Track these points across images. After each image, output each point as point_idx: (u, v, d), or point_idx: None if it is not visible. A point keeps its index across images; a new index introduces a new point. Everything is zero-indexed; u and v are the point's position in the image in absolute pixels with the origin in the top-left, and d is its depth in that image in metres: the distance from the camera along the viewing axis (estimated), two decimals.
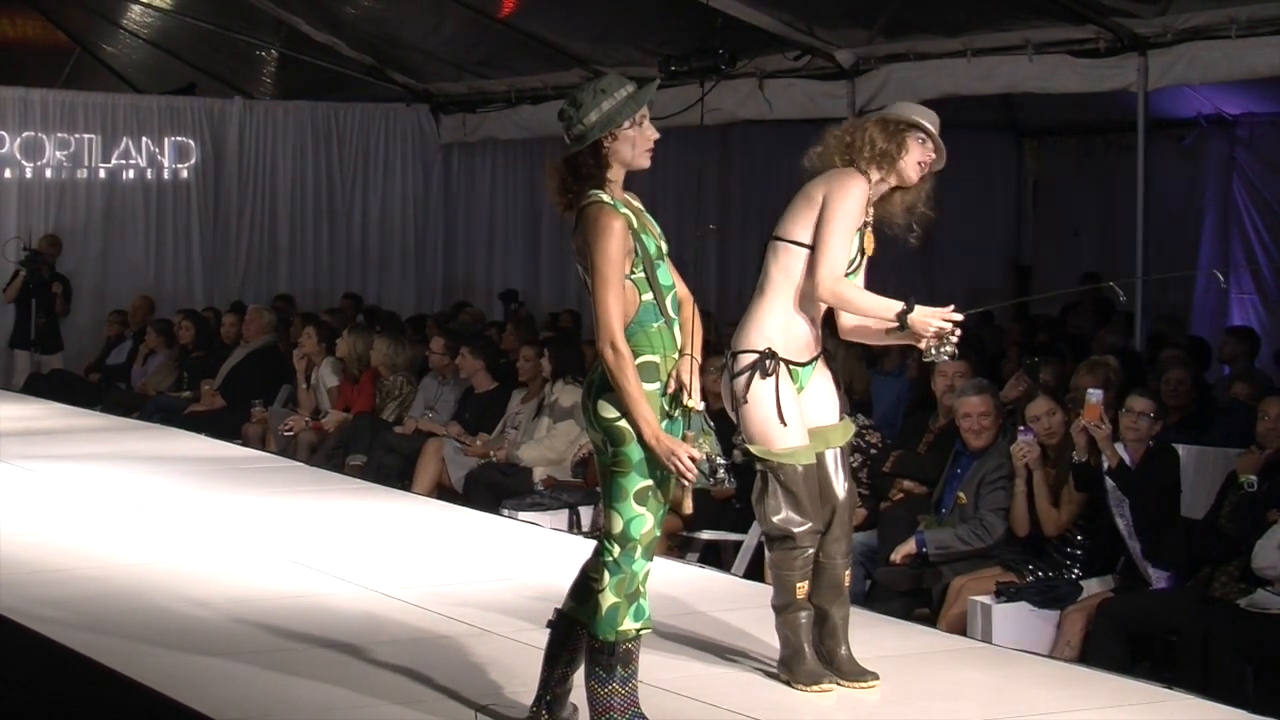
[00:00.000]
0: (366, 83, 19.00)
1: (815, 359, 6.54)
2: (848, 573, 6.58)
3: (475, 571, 8.58)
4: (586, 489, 11.44)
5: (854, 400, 10.63)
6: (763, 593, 6.93)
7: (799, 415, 6.41)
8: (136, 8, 18.80)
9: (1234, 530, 8.20)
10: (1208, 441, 9.96)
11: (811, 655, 6.45)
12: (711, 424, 5.79)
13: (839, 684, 6.47)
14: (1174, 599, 8.20)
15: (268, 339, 15.54)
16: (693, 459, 5.52)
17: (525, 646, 6.79)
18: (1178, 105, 16.51)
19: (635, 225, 5.63)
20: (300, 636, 7.11)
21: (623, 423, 5.57)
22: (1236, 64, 12.10)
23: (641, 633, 5.70)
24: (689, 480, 5.57)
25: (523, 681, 6.24)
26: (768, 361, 6.33)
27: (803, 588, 6.43)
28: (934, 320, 6.36)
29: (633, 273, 5.59)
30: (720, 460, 5.66)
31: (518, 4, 16.15)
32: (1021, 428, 8.93)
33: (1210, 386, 11.59)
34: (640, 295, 5.61)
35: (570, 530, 10.94)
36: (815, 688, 6.40)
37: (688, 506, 5.77)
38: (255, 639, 7.08)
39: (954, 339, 6.38)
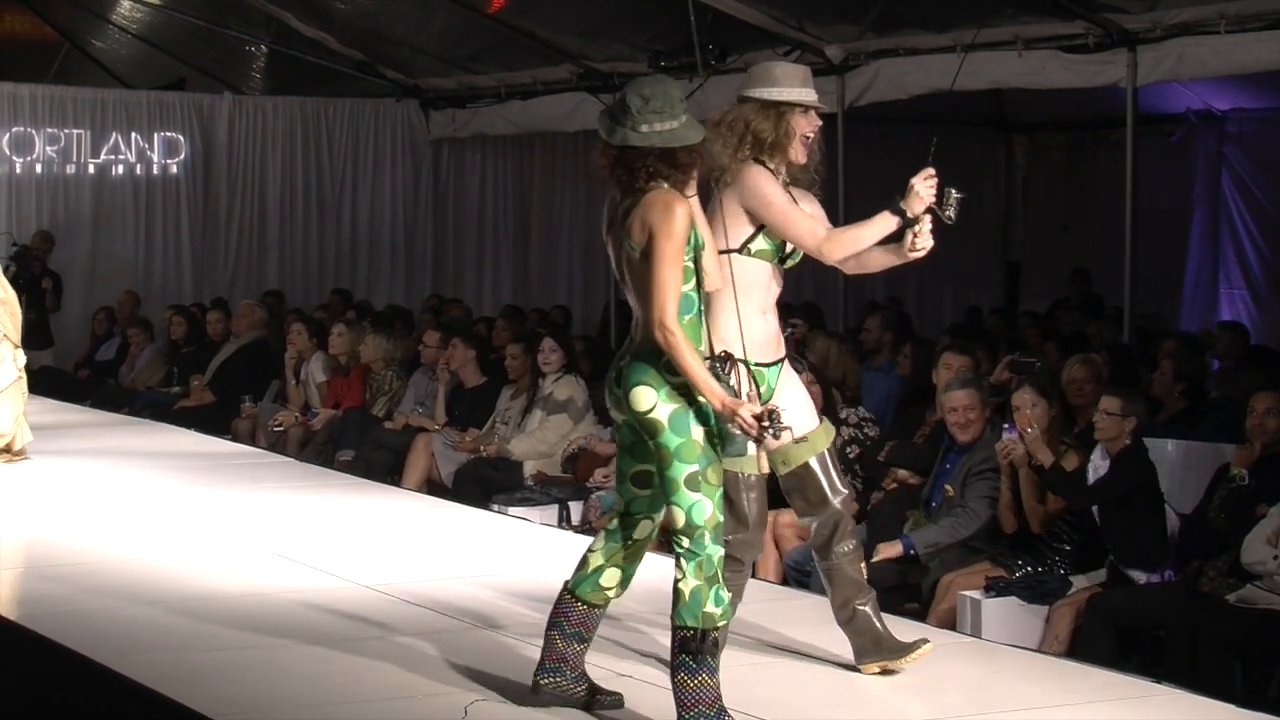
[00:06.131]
0: (356, 78, 18.99)
1: (780, 361, 6.49)
2: (861, 565, 6.57)
3: (465, 567, 8.58)
4: (577, 484, 11.45)
5: (846, 395, 10.67)
6: (753, 587, 6.94)
7: None
8: (125, 3, 18.78)
9: (1222, 524, 8.21)
10: (1197, 436, 9.98)
11: None
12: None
13: (890, 670, 6.47)
14: (1163, 594, 8.21)
15: (257, 334, 15.54)
16: (755, 415, 5.54)
17: (515, 641, 6.80)
18: (1167, 101, 16.55)
19: (693, 218, 5.71)
20: (290, 632, 7.10)
21: (655, 414, 5.62)
22: (1225, 59, 12.12)
23: (723, 621, 5.70)
24: (751, 434, 5.57)
25: (513, 676, 6.25)
26: (724, 365, 6.28)
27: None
28: (918, 186, 6.28)
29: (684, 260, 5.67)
30: (778, 410, 5.64)
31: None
32: (1006, 425, 8.92)
33: (1202, 381, 11.61)
34: (683, 285, 5.66)
35: (560, 525, 10.95)
36: None
37: (763, 465, 5.81)
38: (244, 634, 7.08)
39: (951, 190, 6.30)
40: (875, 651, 6.51)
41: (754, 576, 8.41)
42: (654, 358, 5.65)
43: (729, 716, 5.73)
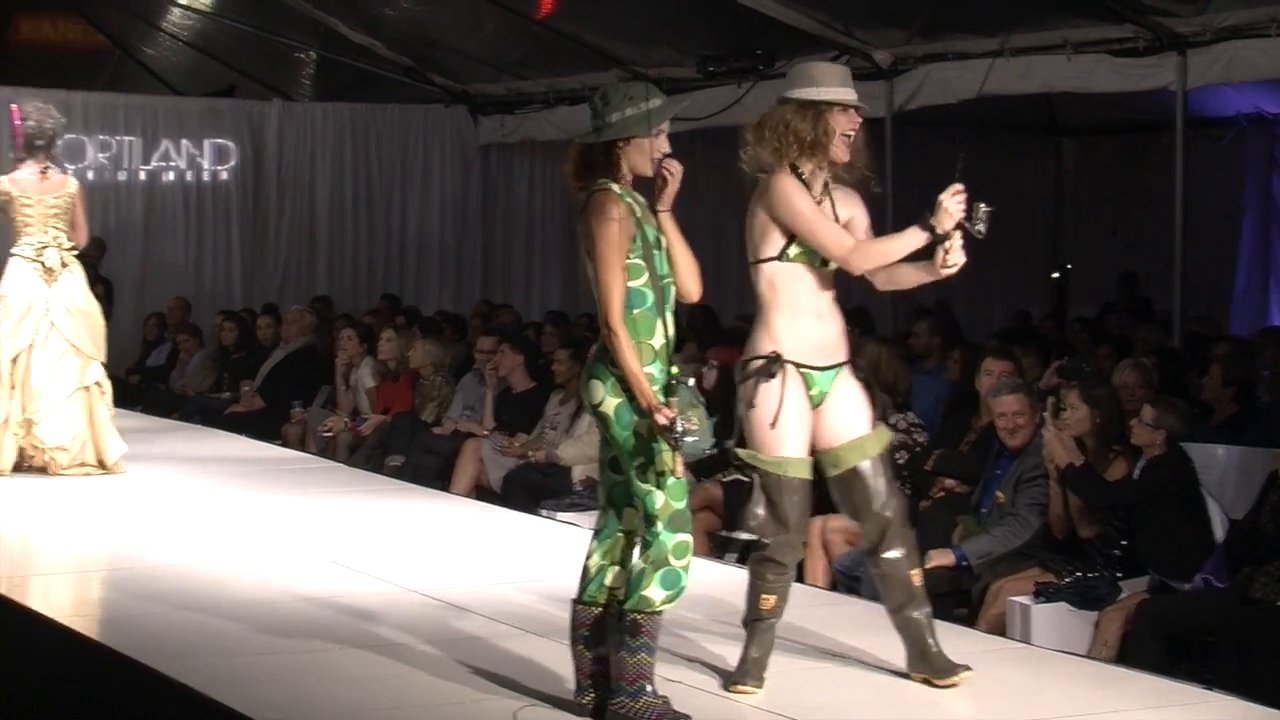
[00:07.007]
0: (405, 84, 19.03)
1: (838, 366, 6.47)
2: (914, 572, 6.52)
3: (514, 572, 8.60)
4: None
5: (897, 400, 10.64)
6: (802, 593, 6.94)
7: (798, 425, 6.35)
8: (176, 10, 18.88)
9: (1274, 530, 8.16)
10: (1248, 441, 9.92)
11: (744, 658, 6.45)
12: (702, 398, 5.94)
13: (932, 684, 6.46)
14: (1213, 600, 8.16)
15: (307, 340, 15.59)
16: (666, 421, 5.66)
17: (564, 647, 6.81)
18: (1217, 104, 16.45)
19: (639, 214, 5.86)
20: (339, 637, 7.13)
21: (604, 408, 5.84)
22: (1276, 62, 12.05)
23: (665, 606, 5.83)
24: (662, 433, 5.69)
25: (561, 682, 6.26)
26: (772, 365, 6.30)
27: (769, 601, 6.39)
28: (946, 202, 6.24)
29: (629, 258, 5.82)
30: (687, 425, 5.68)
31: (556, 5, 16.16)
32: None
33: (1253, 385, 11.53)
34: (631, 280, 5.82)
35: None
36: (734, 688, 6.40)
37: (678, 470, 5.83)
38: (293, 639, 7.11)
39: (980, 204, 6.26)
40: (920, 664, 6.51)
41: (803, 582, 8.44)
42: (605, 352, 5.88)
43: (656, 695, 5.83)
